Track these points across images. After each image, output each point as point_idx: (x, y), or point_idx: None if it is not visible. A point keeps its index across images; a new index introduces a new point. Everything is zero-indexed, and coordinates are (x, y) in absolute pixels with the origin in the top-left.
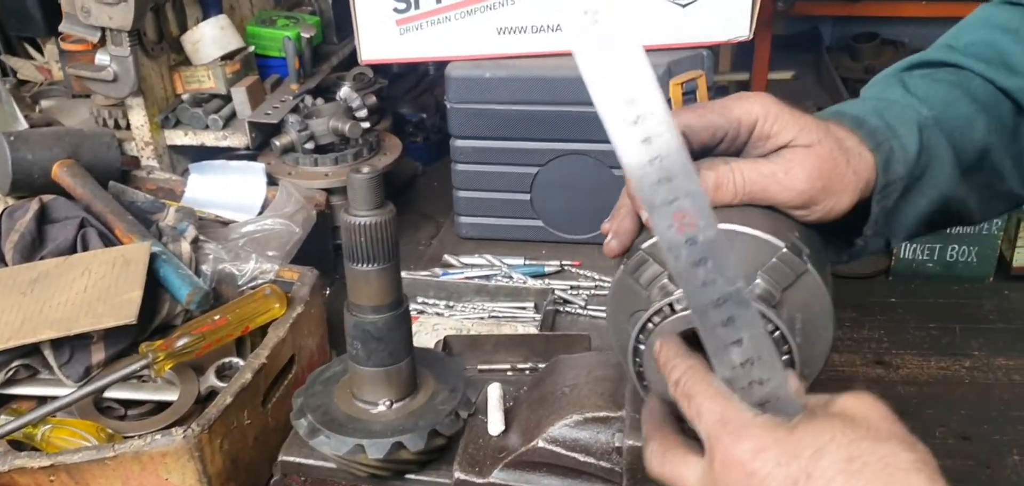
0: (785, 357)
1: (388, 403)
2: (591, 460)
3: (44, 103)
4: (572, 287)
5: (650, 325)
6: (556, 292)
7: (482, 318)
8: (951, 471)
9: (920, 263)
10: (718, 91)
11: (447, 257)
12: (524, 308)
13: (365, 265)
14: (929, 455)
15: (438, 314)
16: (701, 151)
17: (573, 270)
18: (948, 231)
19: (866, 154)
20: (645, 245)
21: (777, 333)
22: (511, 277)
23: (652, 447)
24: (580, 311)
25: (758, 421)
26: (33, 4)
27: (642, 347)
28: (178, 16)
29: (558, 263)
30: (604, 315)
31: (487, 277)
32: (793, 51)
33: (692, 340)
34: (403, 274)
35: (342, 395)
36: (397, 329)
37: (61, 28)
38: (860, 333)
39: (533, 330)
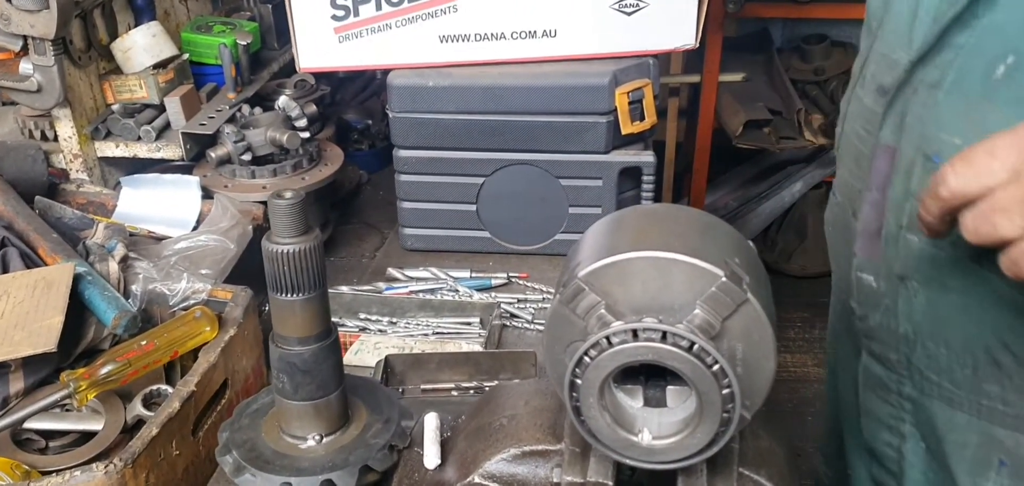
0: (726, 391)
1: (317, 438)
2: None
3: None
4: (519, 300)
5: (586, 359)
6: (502, 306)
7: (426, 335)
8: None
9: None
10: (670, 93)
11: (391, 270)
12: (469, 323)
13: (290, 295)
14: None
15: (381, 331)
16: None
17: (520, 282)
18: None
19: None
20: (582, 274)
21: (717, 367)
22: (457, 291)
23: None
24: (527, 326)
25: None
26: None
27: (578, 382)
28: (108, 23)
29: (505, 275)
30: None
31: (432, 291)
32: (743, 53)
33: (630, 373)
34: (345, 289)
35: (270, 429)
36: (325, 361)
37: None
38: (812, 333)
39: (478, 346)
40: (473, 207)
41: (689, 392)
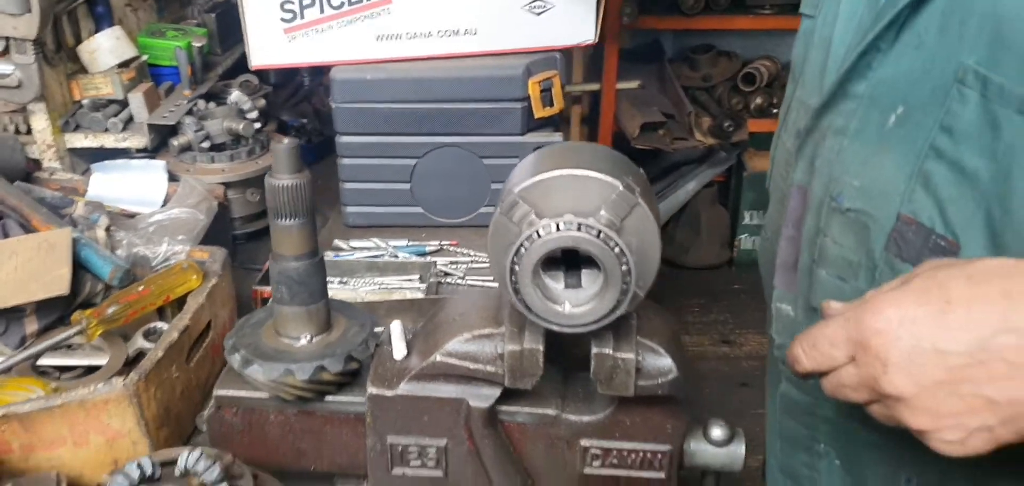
0: (624, 268)
1: (309, 337)
2: (480, 366)
3: None
4: (452, 262)
5: (523, 248)
6: (438, 265)
7: (374, 289)
8: None
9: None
10: (573, 102)
11: (337, 242)
12: (410, 280)
13: (287, 220)
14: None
15: (333, 288)
16: None
17: (451, 249)
18: None
19: None
20: (517, 189)
21: (617, 249)
22: (397, 256)
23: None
24: (459, 281)
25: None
26: None
27: (516, 267)
28: (72, 27)
29: (438, 243)
30: (481, 284)
31: (375, 257)
32: (638, 62)
33: (553, 263)
34: None
35: (268, 334)
36: (315, 275)
37: None
38: (708, 317)
39: (421, 296)
40: (407, 186)
41: (597, 275)
